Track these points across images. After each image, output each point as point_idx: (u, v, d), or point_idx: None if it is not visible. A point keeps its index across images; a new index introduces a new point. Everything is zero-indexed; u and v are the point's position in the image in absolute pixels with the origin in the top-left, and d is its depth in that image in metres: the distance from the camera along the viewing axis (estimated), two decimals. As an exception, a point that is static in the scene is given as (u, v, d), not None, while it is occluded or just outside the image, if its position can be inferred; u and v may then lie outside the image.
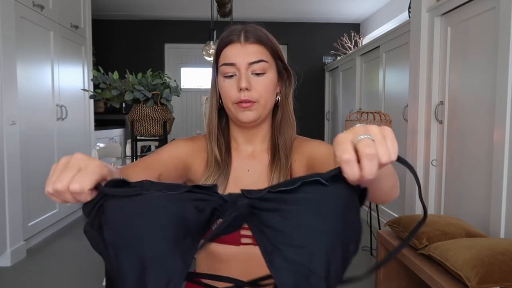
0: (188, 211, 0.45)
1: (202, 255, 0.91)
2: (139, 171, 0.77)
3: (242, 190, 0.47)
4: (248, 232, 0.78)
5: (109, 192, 0.47)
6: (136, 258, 0.44)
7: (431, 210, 2.53)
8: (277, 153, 0.88)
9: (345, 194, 0.45)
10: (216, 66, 0.88)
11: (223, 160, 0.88)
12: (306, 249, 0.43)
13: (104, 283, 2.22)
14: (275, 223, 0.44)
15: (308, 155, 0.84)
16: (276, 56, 0.87)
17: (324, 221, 0.43)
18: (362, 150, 0.42)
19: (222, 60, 0.85)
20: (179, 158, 0.85)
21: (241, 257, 0.84)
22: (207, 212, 0.45)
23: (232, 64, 0.83)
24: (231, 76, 0.83)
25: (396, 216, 2.84)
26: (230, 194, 0.47)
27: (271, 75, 0.85)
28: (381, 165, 0.43)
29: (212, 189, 0.47)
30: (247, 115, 0.83)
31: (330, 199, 0.44)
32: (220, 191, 0.69)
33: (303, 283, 0.43)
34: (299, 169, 0.86)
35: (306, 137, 0.92)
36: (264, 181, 0.87)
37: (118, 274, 0.45)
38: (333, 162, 0.46)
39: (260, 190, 0.45)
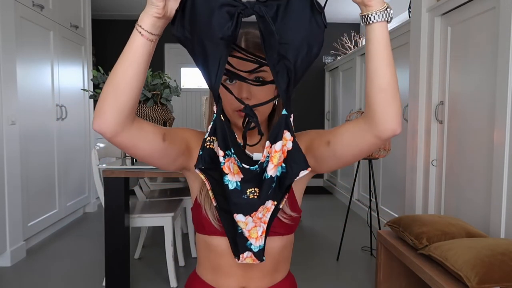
0: (222, 16, 0.62)
1: (204, 251, 0.92)
2: (150, 123, 0.80)
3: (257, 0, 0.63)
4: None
5: None
6: (201, 46, 0.64)
7: (431, 210, 2.53)
8: None
9: (311, 9, 0.63)
10: None
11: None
12: (287, 45, 0.63)
13: (104, 283, 2.22)
14: (275, 27, 0.62)
15: (305, 140, 0.87)
16: None
17: (301, 27, 0.63)
18: None
19: None
20: (184, 136, 0.87)
21: None
22: (235, 16, 0.62)
23: None
24: (231, 81, 0.85)
25: (396, 216, 2.84)
26: (248, 1, 0.63)
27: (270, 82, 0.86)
28: None
29: None
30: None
31: (306, 11, 0.63)
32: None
33: (282, 66, 0.64)
34: None
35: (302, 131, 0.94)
36: None
37: (194, 57, 0.66)
38: None
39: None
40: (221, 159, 0.70)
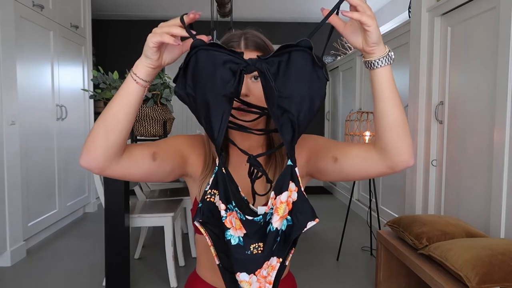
0: (225, 73, 0.64)
1: (203, 251, 0.92)
2: (139, 145, 0.81)
3: (258, 56, 0.65)
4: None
5: (199, 44, 0.64)
6: (204, 101, 0.65)
7: (431, 210, 2.53)
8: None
9: (312, 63, 0.65)
10: None
11: None
12: (289, 99, 0.65)
13: (104, 283, 2.22)
14: (277, 83, 0.64)
15: (309, 149, 0.87)
16: None
17: (302, 82, 0.65)
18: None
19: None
20: (176, 146, 0.87)
21: None
22: (237, 73, 0.64)
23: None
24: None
25: (396, 216, 2.84)
26: (250, 59, 0.65)
27: None
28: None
29: (240, 54, 0.64)
30: (244, 118, 0.84)
31: (308, 65, 0.65)
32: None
33: (286, 119, 0.66)
34: (300, 160, 0.88)
35: (308, 135, 0.93)
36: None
37: (196, 114, 0.67)
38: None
39: (266, 56, 0.65)
40: (222, 213, 0.67)
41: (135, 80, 0.68)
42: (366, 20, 0.63)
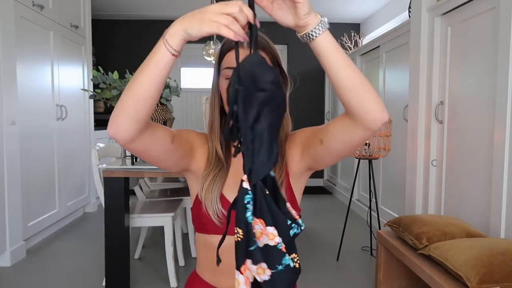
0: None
1: (203, 250, 0.92)
2: (161, 125, 0.82)
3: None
4: None
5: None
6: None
7: (431, 210, 2.53)
8: None
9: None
10: (218, 68, 0.91)
11: (224, 155, 0.92)
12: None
13: (104, 283, 2.22)
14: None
15: (300, 139, 0.90)
16: (275, 62, 0.91)
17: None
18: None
19: (225, 63, 0.89)
20: (189, 138, 0.91)
21: None
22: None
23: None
24: None
25: (396, 216, 2.84)
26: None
27: None
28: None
29: None
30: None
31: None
32: (219, 184, 0.89)
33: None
34: (296, 156, 0.91)
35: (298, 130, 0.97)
36: None
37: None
38: None
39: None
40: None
41: (171, 52, 0.64)
42: None
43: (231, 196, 0.90)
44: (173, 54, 0.65)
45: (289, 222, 0.63)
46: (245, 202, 0.61)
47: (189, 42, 0.66)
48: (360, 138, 0.74)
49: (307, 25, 0.65)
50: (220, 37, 3.98)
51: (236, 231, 0.62)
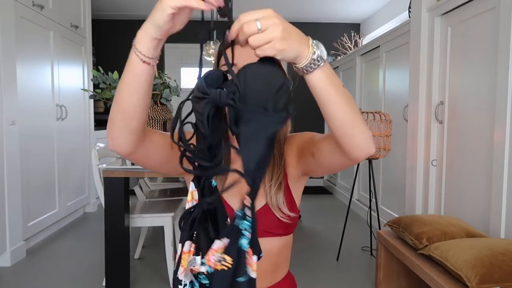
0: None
1: None
2: (159, 132, 0.81)
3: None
4: None
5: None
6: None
7: (431, 210, 2.53)
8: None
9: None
10: (217, 67, 0.90)
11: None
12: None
13: (104, 283, 2.22)
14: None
15: (297, 146, 0.90)
16: (275, 61, 0.89)
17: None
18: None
19: (223, 61, 0.86)
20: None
21: None
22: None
23: (233, 65, 0.83)
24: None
25: (396, 216, 2.84)
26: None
27: None
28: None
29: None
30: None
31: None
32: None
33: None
34: (292, 161, 0.91)
35: (298, 133, 0.97)
36: None
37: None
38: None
39: None
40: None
41: (142, 60, 0.58)
42: (271, 53, 0.55)
43: (230, 199, 0.90)
44: (144, 62, 0.58)
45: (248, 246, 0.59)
46: (243, 228, 0.57)
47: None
48: (344, 164, 0.75)
49: (297, 63, 0.60)
50: (220, 37, 3.97)
51: (221, 258, 0.56)
